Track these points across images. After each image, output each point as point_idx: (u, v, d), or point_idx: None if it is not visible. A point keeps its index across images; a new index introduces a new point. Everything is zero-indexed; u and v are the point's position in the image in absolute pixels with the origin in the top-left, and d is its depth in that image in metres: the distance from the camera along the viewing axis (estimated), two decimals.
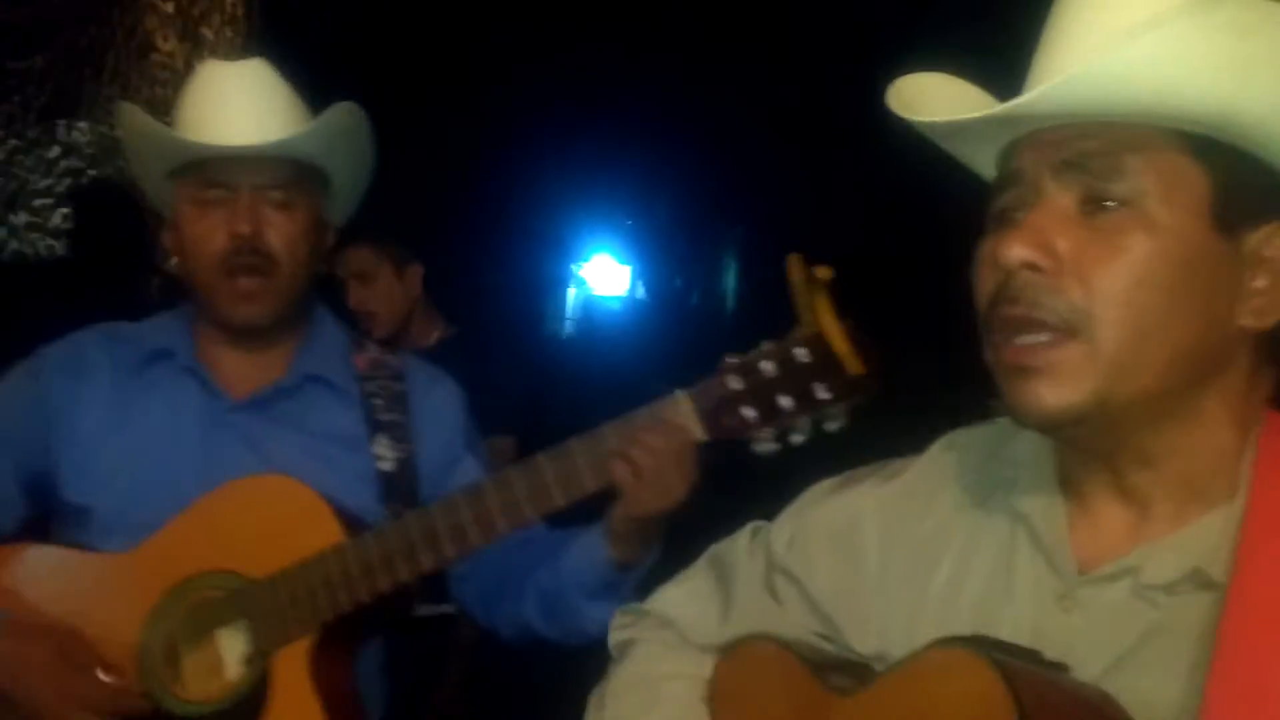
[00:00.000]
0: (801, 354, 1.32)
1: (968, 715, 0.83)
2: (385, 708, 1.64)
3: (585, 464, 1.38)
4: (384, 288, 3.04)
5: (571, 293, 8.88)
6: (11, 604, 1.52)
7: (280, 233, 1.57)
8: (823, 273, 1.29)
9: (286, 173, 1.58)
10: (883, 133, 1.04)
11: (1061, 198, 0.88)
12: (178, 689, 1.48)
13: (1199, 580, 0.86)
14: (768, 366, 1.33)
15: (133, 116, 1.66)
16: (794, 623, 1.12)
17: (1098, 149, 0.86)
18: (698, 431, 1.36)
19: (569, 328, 8.71)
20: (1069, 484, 0.95)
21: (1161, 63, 0.82)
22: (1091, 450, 0.92)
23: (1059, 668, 0.87)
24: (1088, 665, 0.87)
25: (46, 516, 1.64)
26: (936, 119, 0.93)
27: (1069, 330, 0.86)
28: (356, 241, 2.90)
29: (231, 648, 1.48)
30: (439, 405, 1.70)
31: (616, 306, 8.89)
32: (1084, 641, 0.89)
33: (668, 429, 1.36)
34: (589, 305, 8.85)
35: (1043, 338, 0.87)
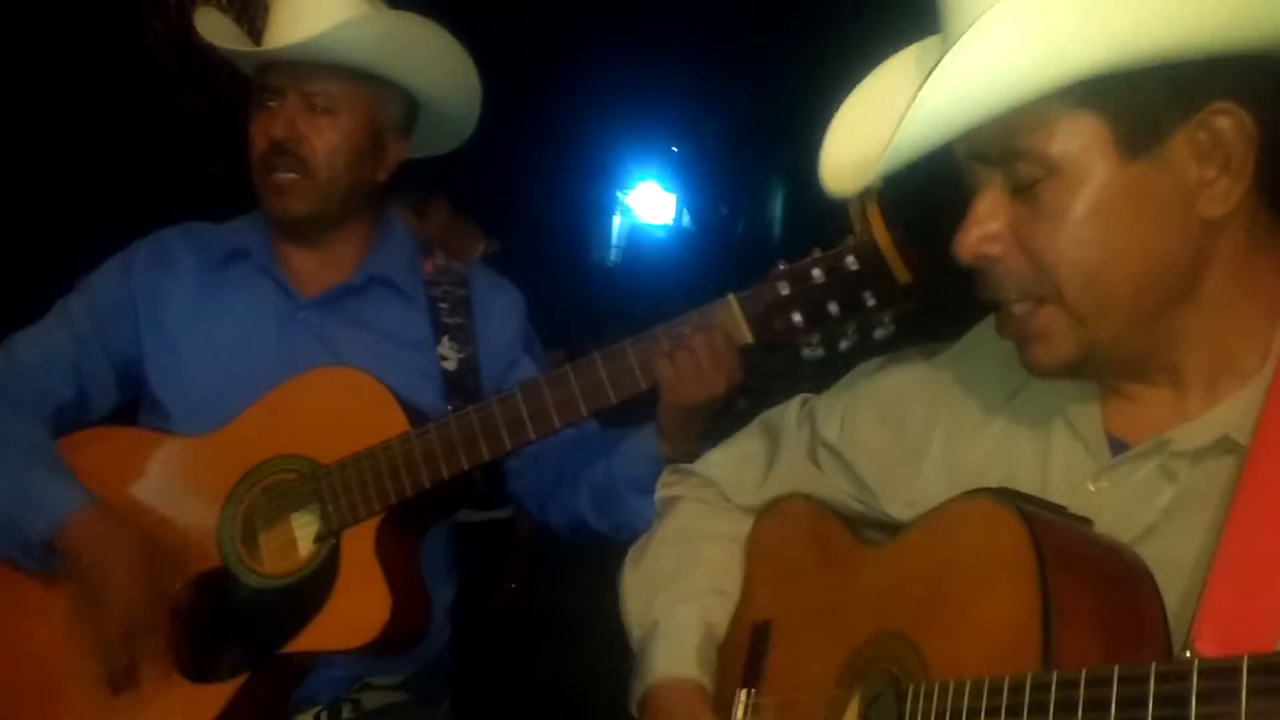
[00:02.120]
0: (851, 262, 1.37)
1: (989, 559, 0.89)
2: (451, 603, 1.76)
3: (636, 362, 1.45)
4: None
5: (617, 221, 8.88)
6: (99, 484, 1.62)
7: (321, 138, 1.64)
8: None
9: (333, 77, 1.64)
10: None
11: (992, 181, 0.94)
12: (254, 564, 1.58)
13: (1226, 446, 0.91)
14: (817, 273, 1.39)
15: (204, 25, 1.72)
16: (833, 487, 1.19)
17: (989, 139, 0.91)
18: (745, 334, 1.42)
19: (615, 256, 8.73)
20: (1104, 379, 0.99)
21: (988, 73, 0.84)
22: (1114, 373, 0.98)
23: (1084, 521, 0.92)
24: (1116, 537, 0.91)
25: (134, 404, 1.74)
26: (854, 188, 1.02)
27: (1038, 299, 0.93)
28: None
29: (304, 527, 1.58)
30: (501, 309, 1.78)
31: (662, 235, 8.88)
32: (1113, 517, 0.93)
33: (714, 330, 1.42)
34: (635, 234, 8.85)
35: (1022, 309, 0.94)
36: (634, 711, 1.22)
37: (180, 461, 1.63)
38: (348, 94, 1.66)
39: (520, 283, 2.93)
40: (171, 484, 1.62)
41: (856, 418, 1.19)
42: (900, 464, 1.12)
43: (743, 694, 1.13)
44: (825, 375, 1.34)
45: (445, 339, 1.71)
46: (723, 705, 1.16)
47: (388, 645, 1.54)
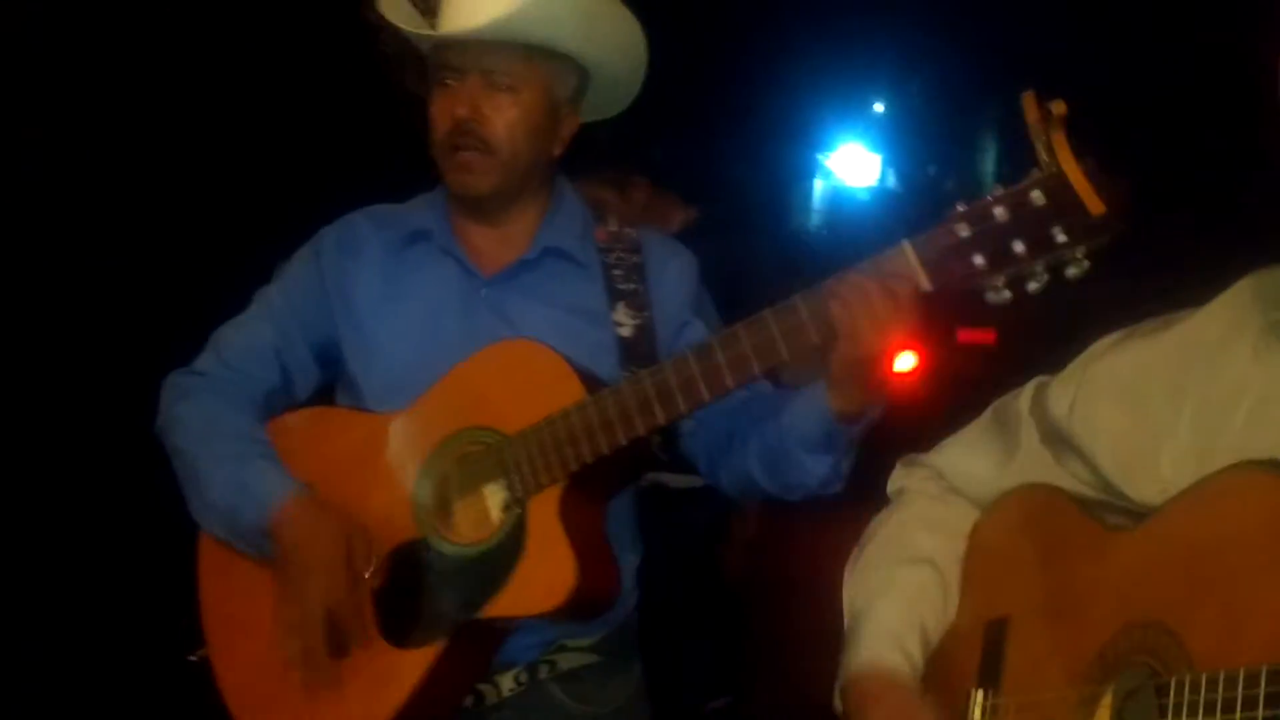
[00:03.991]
0: (1036, 196, 1.27)
1: (1261, 536, 0.80)
2: (638, 568, 1.77)
3: (809, 317, 1.41)
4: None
5: (818, 185, 8.71)
6: (305, 464, 1.70)
7: (502, 115, 1.66)
8: (1058, 108, 1.23)
9: (512, 55, 1.65)
10: None
11: None
12: (450, 534, 1.63)
13: None
14: (999, 211, 1.30)
15: (387, 7, 1.77)
16: (1069, 475, 1.12)
17: None
18: (922, 280, 1.35)
19: (815, 220, 8.57)
20: None
21: None
22: None
23: None
24: None
25: (333, 384, 1.82)
26: None
27: None
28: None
29: (494, 496, 1.61)
30: (674, 273, 1.77)
31: (865, 197, 8.64)
32: None
33: (890, 279, 1.35)
34: (836, 197, 8.65)
35: None
36: (836, 703, 1.19)
37: (376, 438, 1.69)
38: (527, 71, 1.67)
39: (719, 249, 2.93)
40: (370, 460, 1.68)
41: (1092, 398, 1.10)
42: (1144, 446, 1.03)
43: (978, 694, 1.07)
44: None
45: (620, 305, 1.71)
46: (951, 708, 1.10)
47: (578, 609, 1.57)
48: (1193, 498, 0.89)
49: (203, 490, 1.70)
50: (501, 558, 1.57)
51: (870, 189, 8.66)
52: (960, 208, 1.33)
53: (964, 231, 1.32)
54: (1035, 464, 1.15)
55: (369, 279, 1.77)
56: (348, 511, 1.65)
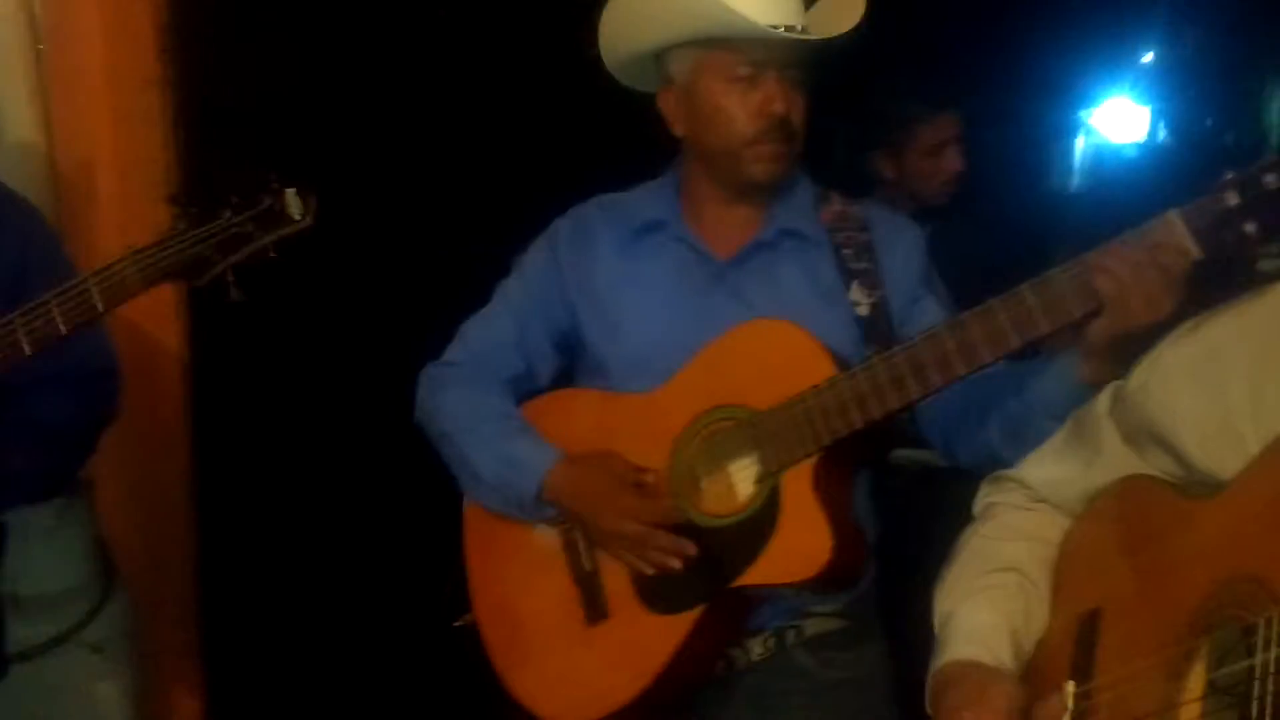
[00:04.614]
0: None
1: None
2: (877, 535, 1.79)
3: (1070, 288, 1.39)
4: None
5: (1080, 143, 8.24)
6: (564, 440, 1.81)
7: (800, 111, 1.73)
8: None
9: (806, 55, 1.71)
10: None
11: None
12: (702, 508, 1.71)
13: None
14: (1271, 179, 1.25)
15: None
16: (1155, 468, 1.12)
17: None
18: (1191, 249, 1.32)
19: (1078, 181, 8.12)
20: None
21: None
22: None
23: None
24: None
25: (572, 368, 1.92)
26: None
27: None
28: (943, 109, 2.83)
29: (742, 470, 1.68)
30: (904, 249, 1.77)
31: (1133, 154, 8.11)
32: None
33: (1160, 248, 1.33)
34: (1101, 155, 8.16)
35: None
36: (928, 708, 1.21)
37: (629, 416, 1.77)
38: (805, 67, 1.73)
39: (974, 215, 2.84)
40: (625, 436, 1.78)
41: (1168, 382, 1.10)
42: (1229, 426, 1.02)
43: (1069, 686, 1.07)
44: None
45: (855, 284, 1.73)
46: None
47: (830, 579, 1.61)
48: (1272, 452, 0.89)
49: (474, 470, 1.83)
50: (757, 528, 1.63)
51: (1137, 145, 8.11)
52: (1229, 175, 1.29)
53: (1234, 199, 1.28)
54: (1119, 464, 1.16)
55: (606, 268, 1.84)
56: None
